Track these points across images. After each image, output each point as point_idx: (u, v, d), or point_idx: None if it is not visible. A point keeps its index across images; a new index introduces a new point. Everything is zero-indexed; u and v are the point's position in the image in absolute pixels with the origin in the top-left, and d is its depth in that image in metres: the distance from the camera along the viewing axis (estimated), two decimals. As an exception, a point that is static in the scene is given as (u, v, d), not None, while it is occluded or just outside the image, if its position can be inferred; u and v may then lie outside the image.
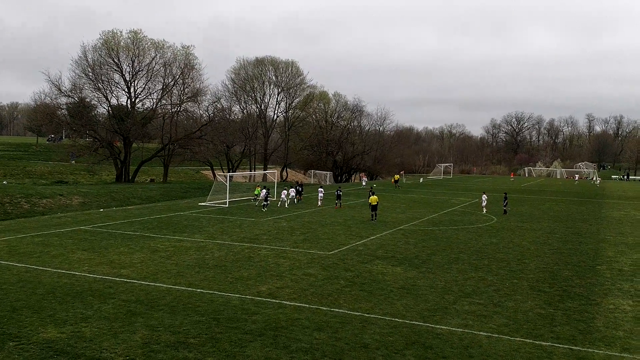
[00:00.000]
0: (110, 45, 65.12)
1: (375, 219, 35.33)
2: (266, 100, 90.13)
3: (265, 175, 75.85)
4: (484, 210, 41.86)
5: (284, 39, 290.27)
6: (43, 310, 15.04)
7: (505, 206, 41.78)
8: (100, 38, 65.92)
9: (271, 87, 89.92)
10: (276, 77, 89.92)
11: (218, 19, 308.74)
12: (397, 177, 73.63)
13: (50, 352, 12.06)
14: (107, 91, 66.30)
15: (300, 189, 47.68)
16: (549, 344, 13.50)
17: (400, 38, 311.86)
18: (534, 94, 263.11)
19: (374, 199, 35.78)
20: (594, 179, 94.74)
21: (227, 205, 42.23)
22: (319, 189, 45.87)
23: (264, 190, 42.16)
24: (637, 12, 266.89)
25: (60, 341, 12.74)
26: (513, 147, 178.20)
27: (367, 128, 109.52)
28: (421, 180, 76.89)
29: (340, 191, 44.58)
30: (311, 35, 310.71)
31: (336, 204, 42.71)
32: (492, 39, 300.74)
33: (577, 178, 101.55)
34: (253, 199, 45.88)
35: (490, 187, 75.32)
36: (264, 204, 40.22)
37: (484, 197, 42.86)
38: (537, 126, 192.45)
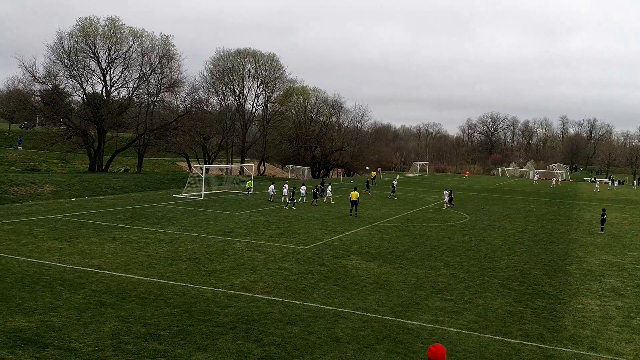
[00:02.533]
0: (87, 32, 64.04)
1: (356, 214, 35.74)
2: (245, 93, 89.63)
3: (242, 168, 75.47)
4: (445, 205, 43.84)
5: (254, 32, 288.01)
6: (11, 298, 14.76)
7: (449, 201, 44.27)
8: (77, 24, 64.82)
9: (250, 80, 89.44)
10: (256, 69, 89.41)
11: (191, 12, 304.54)
12: (373, 174, 74.01)
13: (18, 341, 11.84)
14: (83, 79, 65.37)
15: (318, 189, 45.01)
16: (518, 341, 13.73)
17: (367, 35, 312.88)
18: (503, 95, 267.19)
19: (354, 194, 36.08)
20: (553, 181, 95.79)
21: (202, 198, 41.93)
22: (301, 187, 44.59)
23: (286, 186, 41.20)
24: (588, 16, 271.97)
25: (29, 330, 12.52)
26: (488, 147, 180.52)
27: (345, 124, 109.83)
28: (397, 177, 77.36)
29: (317, 189, 43.54)
30: (281, 29, 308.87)
31: (313, 201, 41.84)
32: (457, 39, 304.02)
33: (537, 179, 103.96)
34: (247, 193, 45.71)
35: (459, 185, 76.21)
36: (291, 201, 38.86)
37: (445, 192, 45.30)
38: (512, 127, 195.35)
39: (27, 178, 42.96)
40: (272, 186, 43.69)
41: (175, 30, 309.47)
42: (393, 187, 52.45)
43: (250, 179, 49.41)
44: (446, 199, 44.39)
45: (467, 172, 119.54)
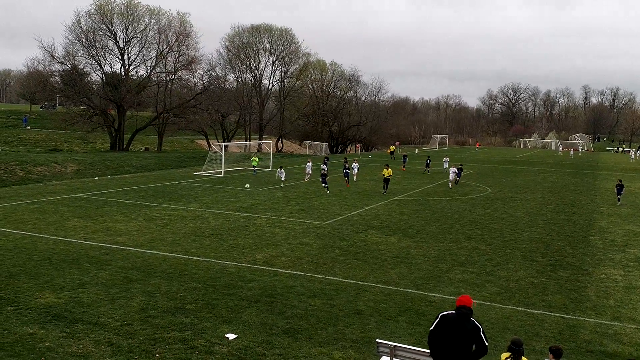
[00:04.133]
0: (104, 12, 64.12)
1: (385, 192, 34.53)
2: (261, 69, 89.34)
3: (260, 145, 75.63)
4: (450, 184, 39.41)
5: (260, 6, 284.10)
6: (40, 276, 15.14)
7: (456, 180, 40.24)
8: (93, 4, 64.88)
9: (266, 55, 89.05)
10: (271, 45, 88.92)
11: None
12: (392, 148, 73.62)
13: (48, 317, 12.18)
14: (101, 58, 65.63)
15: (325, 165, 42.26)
16: (541, 312, 13.73)
17: (375, 9, 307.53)
18: (521, 67, 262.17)
19: (387, 171, 34.93)
20: (571, 151, 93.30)
21: (222, 175, 42.23)
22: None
23: (325, 166, 37.41)
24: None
25: (58, 306, 12.86)
26: (509, 118, 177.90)
27: (362, 98, 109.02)
28: (416, 151, 76.95)
29: (348, 167, 39.53)
30: (288, 3, 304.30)
31: (346, 181, 38.78)
32: (469, 11, 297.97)
33: (560, 149, 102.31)
34: (253, 172, 44.54)
35: (477, 157, 75.46)
36: (324, 183, 35.15)
37: (453, 169, 40.11)
38: (533, 97, 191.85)
39: (50, 158, 43.62)
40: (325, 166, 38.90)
41: (186, 7, 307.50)
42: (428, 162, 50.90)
43: (255, 157, 47.93)
44: (452, 177, 39.57)
45: (477, 143, 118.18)
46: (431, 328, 8.16)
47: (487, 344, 8.01)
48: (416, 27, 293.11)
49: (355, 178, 41.14)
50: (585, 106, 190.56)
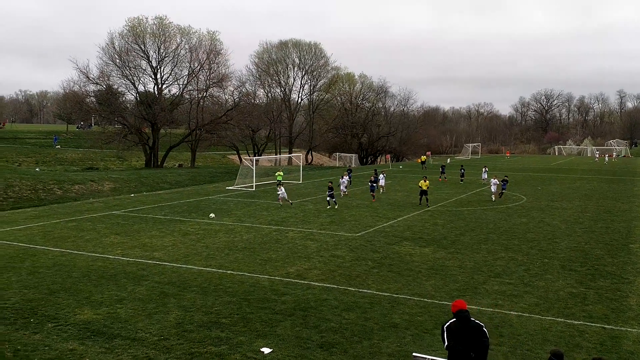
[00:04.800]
0: (136, 32, 65.73)
1: (428, 205, 33.13)
2: (290, 83, 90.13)
3: (290, 158, 76.06)
4: (493, 197, 36.49)
5: (281, 21, 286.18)
6: (79, 292, 15.46)
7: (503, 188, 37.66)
8: (126, 25, 66.63)
9: (295, 70, 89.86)
10: (300, 59, 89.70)
11: (215, 3, 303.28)
12: (423, 158, 73.11)
13: (87, 333, 12.42)
14: (134, 78, 67.15)
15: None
16: (581, 322, 13.38)
17: (396, 17, 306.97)
18: (548, 72, 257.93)
19: (424, 183, 33.86)
20: (605, 157, 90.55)
21: (254, 189, 42.56)
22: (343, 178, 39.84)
23: (344, 179, 37.52)
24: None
25: (97, 322, 13.10)
26: (542, 125, 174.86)
27: (391, 109, 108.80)
28: (448, 160, 76.23)
29: (375, 180, 38.49)
30: (307, 16, 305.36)
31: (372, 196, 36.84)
32: (489, 16, 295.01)
33: (597, 156, 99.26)
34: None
35: (509, 165, 74.25)
36: (331, 197, 32.66)
37: (493, 181, 36.86)
38: (567, 104, 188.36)
39: (87, 176, 44.69)
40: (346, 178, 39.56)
41: (211, 24, 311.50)
42: (462, 172, 50.50)
43: (280, 171, 47.42)
44: (494, 189, 36.40)
45: (507, 152, 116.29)
46: (445, 344, 8.52)
47: (488, 337, 8.59)
48: (436, 35, 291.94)
49: (382, 190, 40.43)
50: (620, 111, 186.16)
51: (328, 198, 32.83)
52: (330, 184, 33.43)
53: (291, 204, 33.46)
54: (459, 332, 8.38)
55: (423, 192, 33.87)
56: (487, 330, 8.66)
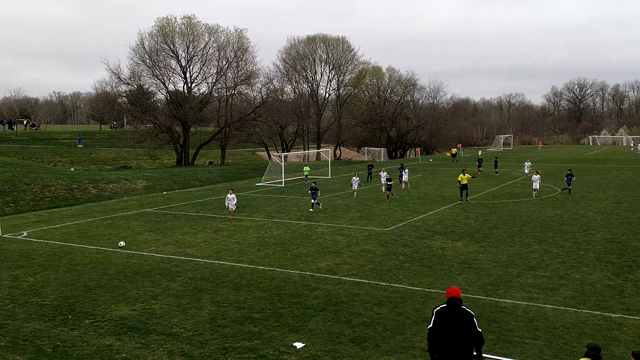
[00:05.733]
0: (165, 32, 66.59)
1: (467, 199, 32.17)
2: (317, 79, 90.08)
3: (318, 154, 76.09)
4: (534, 194, 33.84)
5: (306, 17, 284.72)
6: (115, 289, 15.79)
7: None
8: (155, 25, 67.52)
9: (322, 65, 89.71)
10: (327, 54, 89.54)
11: (241, 2, 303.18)
12: (454, 150, 72.29)
13: (123, 329, 12.68)
14: (165, 77, 68.03)
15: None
16: (619, 315, 13.08)
17: (423, 10, 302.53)
18: (582, 60, 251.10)
19: (464, 177, 32.36)
20: (638, 146, 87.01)
21: (282, 185, 42.75)
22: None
23: (384, 175, 35.72)
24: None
25: (133, 318, 13.36)
26: (576, 115, 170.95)
27: (420, 102, 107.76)
28: (480, 152, 75.19)
29: (401, 174, 38.51)
30: (333, 12, 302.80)
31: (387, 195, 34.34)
32: (518, 5, 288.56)
33: (632, 145, 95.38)
34: (305, 181, 44.42)
35: (542, 156, 72.82)
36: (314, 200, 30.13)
37: (535, 177, 34.37)
38: (600, 92, 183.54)
39: (121, 175, 45.54)
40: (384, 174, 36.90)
41: (239, 22, 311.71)
42: (495, 163, 49.52)
43: (307, 165, 47.36)
44: (536, 186, 33.76)
45: (540, 142, 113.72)
46: (429, 326, 8.75)
47: (479, 330, 8.58)
48: (465, 26, 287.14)
49: (404, 185, 39.00)
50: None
51: (312, 200, 29.72)
52: (314, 184, 30.75)
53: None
54: (447, 317, 8.57)
55: (463, 187, 32.36)
56: (477, 320, 8.65)
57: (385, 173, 36.67)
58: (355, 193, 35.34)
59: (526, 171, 44.85)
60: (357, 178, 35.90)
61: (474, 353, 8.59)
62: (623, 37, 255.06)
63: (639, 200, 31.56)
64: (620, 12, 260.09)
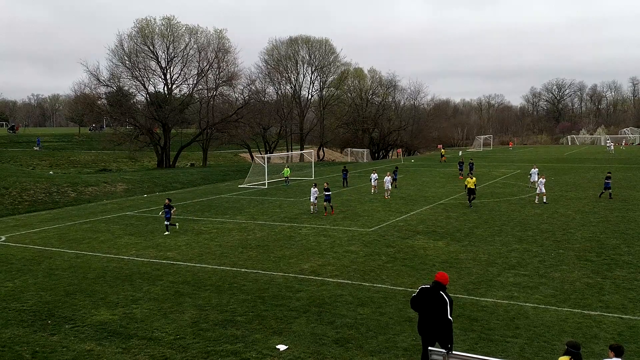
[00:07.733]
0: (145, 33, 66.08)
1: (470, 203, 30.45)
2: (300, 80, 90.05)
3: (302, 155, 76.06)
4: (537, 200, 31.65)
5: (281, 19, 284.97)
6: (95, 293, 15.59)
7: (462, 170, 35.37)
8: (134, 26, 66.97)
9: (305, 67, 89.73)
10: (309, 55, 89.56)
11: (215, 3, 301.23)
12: (443, 151, 71.99)
13: (104, 333, 12.52)
14: (144, 79, 67.60)
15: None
16: (598, 313, 13.26)
17: (394, 13, 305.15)
18: (550, 62, 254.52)
19: (470, 180, 30.94)
20: (610, 145, 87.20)
21: (266, 187, 42.64)
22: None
23: (388, 178, 34.91)
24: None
25: (113, 322, 13.21)
26: (555, 115, 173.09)
27: (401, 103, 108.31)
28: (460, 153, 75.74)
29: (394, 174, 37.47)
30: (310, 15, 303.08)
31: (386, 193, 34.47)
32: (485, 9, 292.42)
33: (612, 148, 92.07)
34: (285, 183, 44.34)
35: (525, 157, 73.66)
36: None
37: (541, 180, 31.86)
38: (579, 93, 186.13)
39: (100, 178, 45.03)
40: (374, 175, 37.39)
41: (219, 23, 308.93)
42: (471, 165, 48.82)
43: (287, 167, 47.14)
44: (541, 189, 31.33)
45: (510, 142, 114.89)
46: (413, 295, 10.21)
47: (450, 318, 9.44)
48: (437, 29, 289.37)
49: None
50: (634, 99, 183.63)
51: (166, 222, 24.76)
52: (167, 200, 25.40)
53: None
54: (425, 295, 9.81)
55: (471, 191, 30.71)
56: (450, 308, 9.44)
57: (376, 174, 37.67)
58: (313, 207, 29.60)
59: (535, 178, 35.94)
60: (316, 189, 29.54)
61: (449, 345, 9.29)
62: (592, 39, 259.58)
63: (617, 199, 32.03)
64: (587, 16, 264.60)
